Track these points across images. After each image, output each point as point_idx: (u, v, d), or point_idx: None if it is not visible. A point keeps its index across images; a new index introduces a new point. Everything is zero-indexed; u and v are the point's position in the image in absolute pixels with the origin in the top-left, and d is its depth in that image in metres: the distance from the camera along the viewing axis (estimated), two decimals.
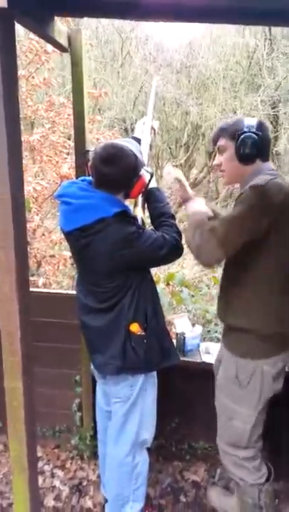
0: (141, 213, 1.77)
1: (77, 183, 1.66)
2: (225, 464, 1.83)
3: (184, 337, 2.26)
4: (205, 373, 2.12)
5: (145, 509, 1.95)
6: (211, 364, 2.14)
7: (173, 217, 1.77)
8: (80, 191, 1.60)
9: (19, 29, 4.08)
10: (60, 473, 2.36)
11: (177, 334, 2.30)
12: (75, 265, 1.83)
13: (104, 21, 9.99)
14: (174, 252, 1.66)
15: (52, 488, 2.27)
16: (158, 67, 10.23)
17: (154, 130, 2.00)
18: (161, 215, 1.75)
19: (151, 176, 1.69)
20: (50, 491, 2.24)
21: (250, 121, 1.62)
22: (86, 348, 1.86)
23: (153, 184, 1.81)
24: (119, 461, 1.78)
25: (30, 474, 1.43)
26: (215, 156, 1.77)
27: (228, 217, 1.57)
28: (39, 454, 2.43)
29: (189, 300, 3.63)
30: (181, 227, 1.76)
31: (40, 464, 2.38)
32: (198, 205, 1.80)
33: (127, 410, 1.74)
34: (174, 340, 2.33)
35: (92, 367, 1.89)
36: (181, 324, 2.37)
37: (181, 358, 2.25)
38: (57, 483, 2.29)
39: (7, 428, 1.40)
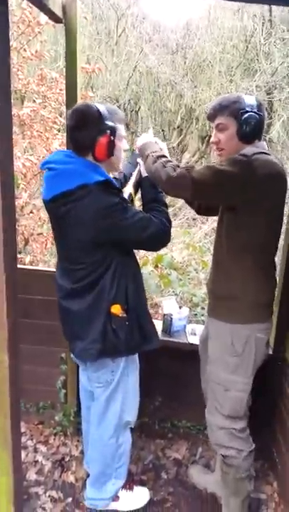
0: (130, 190, 1.74)
1: (64, 151, 1.63)
2: (219, 441, 1.82)
3: (171, 318, 2.28)
4: (190, 354, 2.14)
5: (126, 485, 1.98)
6: (196, 345, 2.17)
7: (165, 205, 1.72)
8: (64, 157, 1.57)
9: None
10: (43, 448, 2.38)
11: (164, 315, 2.32)
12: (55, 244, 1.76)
13: None
14: (159, 237, 1.59)
15: (34, 462, 2.29)
16: (153, 47, 10.03)
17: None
18: (153, 201, 1.71)
19: (113, 131, 1.55)
20: (33, 466, 2.27)
21: (251, 101, 1.63)
22: (64, 337, 1.80)
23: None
24: (104, 443, 1.79)
25: (14, 448, 1.43)
26: (210, 136, 1.73)
27: (211, 166, 1.54)
28: (22, 430, 2.45)
29: (177, 283, 3.65)
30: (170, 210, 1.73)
31: (23, 439, 2.39)
32: (151, 138, 1.82)
33: (109, 395, 1.72)
34: (161, 321, 2.35)
35: (71, 355, 1.84)
36: (168, 306, 2.38)
37: (168, 339, 2.27)
38: (40, 458, 2.31)
39: None
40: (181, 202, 7.87)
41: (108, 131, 1.53)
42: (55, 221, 1.62)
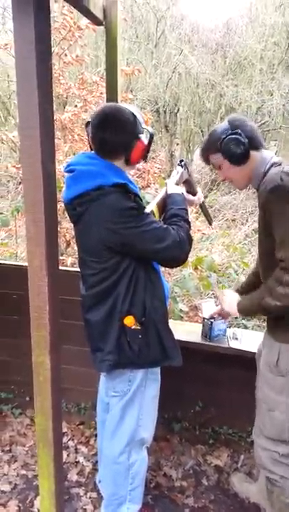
0: (153, 207, 1.66)
1: (87, 153, 1.58)
2: (262, 463, 1.76)
3: (212, 322, 2.23)
4: (231, 359, 2.09)
5: (142, 511, 1.87)
6: (239, 350, 2.11)
7: (187, 221, 1.59)
8: (86, 159, 1.53)
9: (53, 4, 4.03)
10: (84, 449, 2.40)
11: (204, 319, 2.27)
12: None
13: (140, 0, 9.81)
14: (174, 251, 1.47)
15: (76, 463, 2.31)
16: (193, 48, 9.97)
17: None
18: (173, 216, 1.59)
19: (152, 137, 1.54)
20: (74, 466, 2.28)
21: (222, 126, 1.61)
22: (90, 348, 1.72)
23: (175, 189, 1.71)
24: (114, 459, 1.69)
25: (55, 448, 1.44)
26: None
27: (284, 241, 1.45)
28: (64, 430, 2.48)
29: (217, 285, 3.58)
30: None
31: (64, 440, 2.42)
32: None
33: (124, 405, 1.64)
34: (201, 325, 2.30)
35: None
36: (208, 308, 2.33)
37: (208, 343, 2.23)
38: (80, 458, 2.33)
39: (33, 402, 1.41)
40: (220, 203, 7.77)
41: (144, 135, 1.51)
42: (73, 223, 1.60)
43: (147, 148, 1.54)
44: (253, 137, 1.59)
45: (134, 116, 1.49)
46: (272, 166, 1.57)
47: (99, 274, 1.51)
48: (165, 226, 1.50)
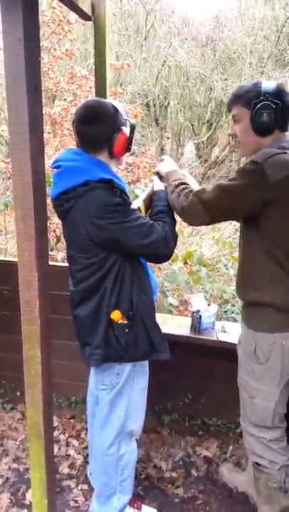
0: (140, 203, 1.69)
1: (72, 149, 1.59)
2: (251, 447, 1.77)
3: (200, 315, 2.26)
4: (220, 351, 2.12)
5: (134, 503, 1.93)
6: (227, 342, 2.14)
7: (173, 218, 1.63)
8: (72, 155, 1.54)
9: None
10: (75, 442, 2.42)
11: (193, 313, 2.30)
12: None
13: None
14: (159, 247, 1.50)
15: (67, 456, 2.33)
16: (182, 41, 9.94)
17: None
18: (160, 212, 1.63)
19: (133, 127, 1.54)
20: (65, 459, 2.31)
21: (268, 87, 1.49)
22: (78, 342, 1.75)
23: (160, 186, 1.74)
24: (103, 451, 1.71)
25: (46, 440, 1.46)
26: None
27: (221, 185, 1.49)
28: (55, 424, 2.50)
29: (207, 279, 3.61)
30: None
31: (55, 433, 2.44)
32: (173, 166, 1.78)
33: (113, 398, 1.66)
34: (190, 319, 2.33)
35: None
36: (197, 302, 2.36)
37: (197, 336, 2.26)
38: (72, 452, 2.35)
39: (24, 396, 1.43)
40: None
41: (126, 126, 1.52)
42: (61, 220, 1.61)
43: (129, 140, 1.54)
44: (286, 116, 1.52)
45: (115, 109, 1.51)
46: (280, 148, 1.50)
47: (86, 270, 1.52)
48: (151, 222, 1.52)
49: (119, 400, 1.66)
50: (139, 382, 1.69)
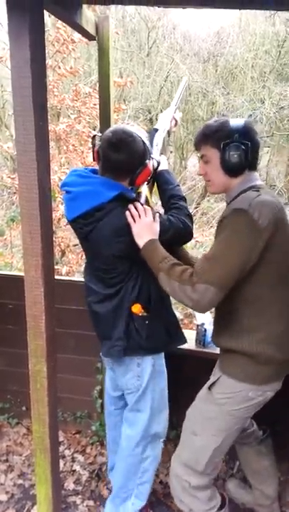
0: (146, 191, 1.73)
1: (76, 171, 1.64)
2: (174, 491, 1.65)
3: (205, 328, 2.25)
4: None
5: (146, 509, 1.90)
6: None
7: (183, 199, 1.75)
8: (79, 179, 1.59)
9: (46, 19, 4.09)
10: (80, 458, 2.41)
11: (198, 326, 2.29)
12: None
13: (131, 10, 9.94)
14: (180, 235, 1.64)
15: (72, 472, 2.31)
16: (184, 57, 10.10)
17: (176, 120, 1.97)
18: (171, 197, 1.74)
19: (158, 165, 1.68)
20: (71, 475, 2.29)
21: (237, 126, 1.44)
22: (97, 336, 1.81)
23: (164, 166, 1.80)
24: (129, 451, 1.78)
25: (52, 455, 1.46)
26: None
27: (216, 256, 1.38)
28: (60, 439, 2.49)
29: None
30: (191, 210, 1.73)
31: (61, 449, 2.43)
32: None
33: (138, 399, 1.74)
34: (195, 332, 2.33)
35: (100, 354, 1.83)
36: (201, 315, 2.36)
37: (202, 350, 2.25)
38: (77, 467, 2.33)
39: (30, 412, 1.44)
40: (214, 210, 7.82)
41: (150, 160, 1.61)
42: (80, 239, 1.70)
43: (153, 174, 1.66)
44: (255, 156, 1.48)
45: (144, 143, 1.58)
46: (251, 188, 1.45)
47: (118, 277, 1.62)
48: (166, 217, 1.62)
49: (143, 401, 1.74)
50: (160, 381, 1.77)
